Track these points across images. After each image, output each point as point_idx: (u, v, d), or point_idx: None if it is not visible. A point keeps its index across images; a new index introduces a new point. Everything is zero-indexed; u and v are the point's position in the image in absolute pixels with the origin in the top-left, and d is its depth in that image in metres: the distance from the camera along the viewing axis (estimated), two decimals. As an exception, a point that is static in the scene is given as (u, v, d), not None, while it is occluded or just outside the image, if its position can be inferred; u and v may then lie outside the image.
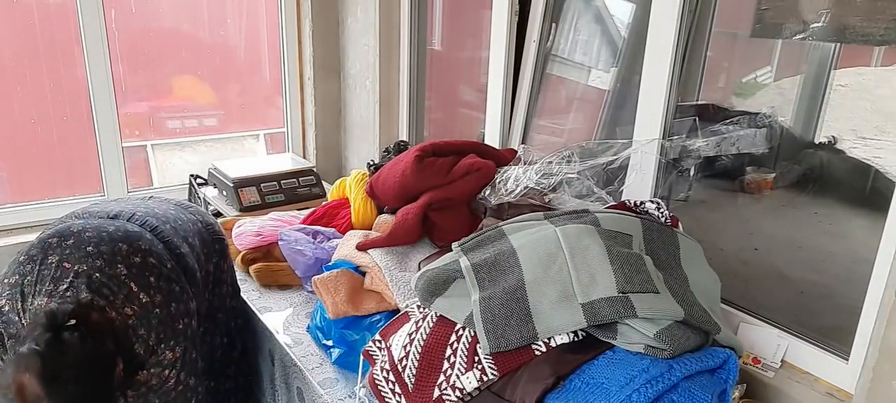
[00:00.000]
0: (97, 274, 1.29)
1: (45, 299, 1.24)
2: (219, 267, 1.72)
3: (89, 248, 1.32)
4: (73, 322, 1.16)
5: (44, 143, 2.59)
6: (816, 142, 1.62)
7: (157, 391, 1.36)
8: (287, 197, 2.52)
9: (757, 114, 1.68)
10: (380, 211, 1.99)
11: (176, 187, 2.80)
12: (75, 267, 1.29)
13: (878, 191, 1.39)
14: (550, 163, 1.68)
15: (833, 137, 1.54)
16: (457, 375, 1.17)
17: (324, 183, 2.66)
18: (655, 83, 1.66)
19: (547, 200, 1.74)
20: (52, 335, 1.14)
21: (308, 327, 1.70)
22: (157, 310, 1.34)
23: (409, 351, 1.26)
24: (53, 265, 1.29)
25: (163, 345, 1.34)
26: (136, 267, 1.34)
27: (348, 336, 1.55)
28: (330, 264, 1.75)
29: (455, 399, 1.16)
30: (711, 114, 1.73)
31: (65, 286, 1.26)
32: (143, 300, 1.32)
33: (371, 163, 2.25)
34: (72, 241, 1.34)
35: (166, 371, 1.35)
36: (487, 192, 1.75)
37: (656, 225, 1.36)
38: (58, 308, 1.19)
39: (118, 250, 1.34)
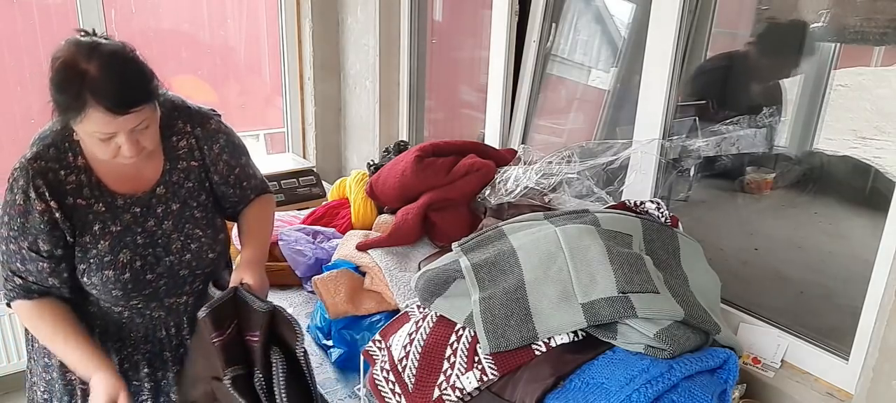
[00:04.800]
0: None
1: None
2: None
3: None
4: None
5: (44, 143, 2.59)
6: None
7: (211, 155, 1.46)
8: (287, 197, 2.52)
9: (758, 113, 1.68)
10: (380, 211, 1.99)
11: (176, 187, 2.80)
12: None
13: (878, 191, 1.40)
14: (550, 163, 1.68)
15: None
16: (457, 375, 1.18)
17: (324, 183, 2.66)
18: (655, 83, 1.66)
19: (547, 200, 1.74)
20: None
21: (308, 327, 1.70)
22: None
23: (409, 351, 1.26)
24: None
25: (211, 119, 1.47)
26: None
27: (348, 336, 1.55)
28: (330, 264, 1.75)
29: (455, 399, 1.16)
30: (712, 114, 1.74)
31: None
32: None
33: (371, 163, 2.26)
34: None
35: (220, 138, 1.47)
36: (487, 192, 1.76)
37: (656, 225, 1.36)
38: None
39: None
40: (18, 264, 1.32)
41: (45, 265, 1.32)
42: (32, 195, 1.26)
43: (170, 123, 1.40)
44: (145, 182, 1.39)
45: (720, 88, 1.78)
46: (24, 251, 1.30)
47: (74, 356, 1.34)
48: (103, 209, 1.34)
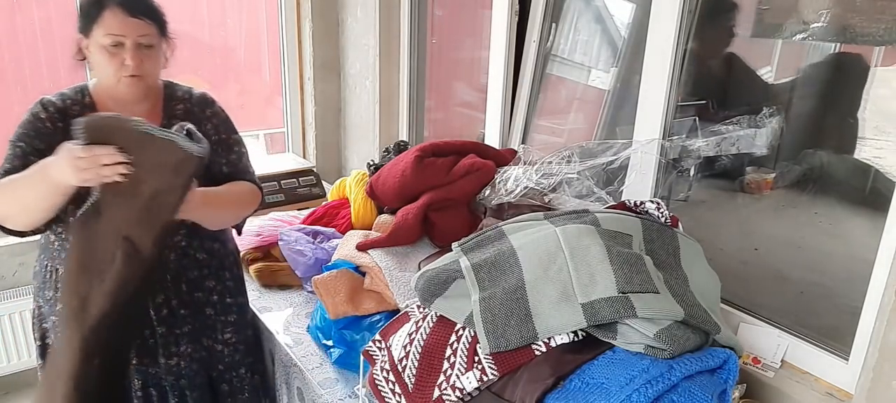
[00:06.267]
0: None
1: None
2: None
3: None
4: None
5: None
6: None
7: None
8: (287, 197, 2.52)
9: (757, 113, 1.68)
10: (380, 212, 1.99)
11: (176, 187, 2.79)
12: None
13: (877, 191, 1.39)
14: (550, 163, 1.68)
15: None
16: (457, 375, 1.18)
17: (324, 183, 2.66)
18: (655, 83, 1.66)
19: (547, 200, 1.74)
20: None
21: (308, 327, 1.70)
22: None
23: (409, 351, 1.26)
24: None
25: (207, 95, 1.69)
26: None
27: (348, 336, 1.55)
28: (330, 264, 1.75)
29: (455, 399, 1.16)
30: (711, 114, 1.74)
31: None
32: None
33: (371, 163, 2.25)
34: None
35: (214, 105, 1.67)
36: (487, 192, 1.76)
37: (656, 225, 1.36)
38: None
39: None
40: (7, 164, 1.43)
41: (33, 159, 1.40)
42: (39, 108, 1.45)
43: (172, 93, 1.62)
44: None
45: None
46: (18, 148, 1.43)
47: (30, 176, 1.35)
48: None
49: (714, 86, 1.78)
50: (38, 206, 1.36)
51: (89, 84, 1.54)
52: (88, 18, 1.42)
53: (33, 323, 1.64)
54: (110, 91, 1.50)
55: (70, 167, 1.24)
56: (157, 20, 1.50)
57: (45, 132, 1.44)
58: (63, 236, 1.51)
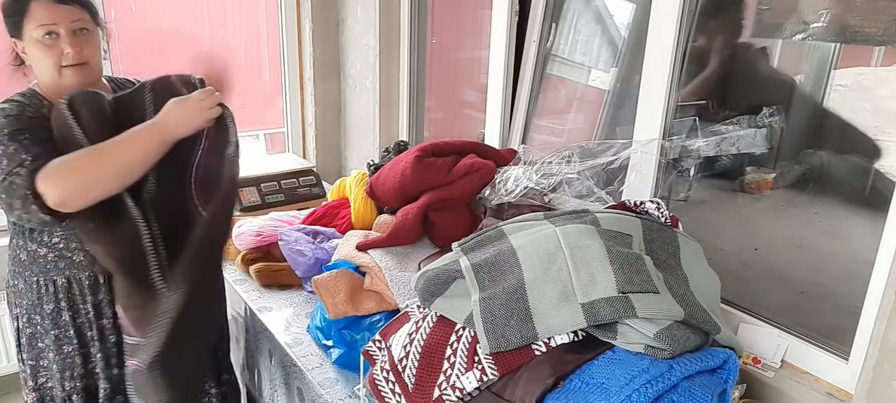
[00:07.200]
0: None
1: None
2: None
3: None
4: None
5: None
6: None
7: None
8: (287, 197, 2.52)
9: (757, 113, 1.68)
10: (380, 212, 1.99)
11: (176, 187, 2.79)
12: None
13: (877, 191, 1.40)
14: (550, 163, 1.68)
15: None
16: (457, 375, 1.18)
17: (324, 183, 2.66)
18: (655, 83, 1.66)
19: (547, 200, 1.74)
20: None
21: (308, 327, 1.70)
22: None
23: (409, 351, 1.26)
24: None
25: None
26: None
27: (348, 336, 1.55)
28: (330, 264, 1.74)
29: (455, 399, 1.16)
30: (711, 114, 1.74)
31: None
32: None
33: (371, 163, 2.25)
34: None
35: None
36: (487, 192, 1.75)
37: (656, 225, 1.36)
38: None
39: None
40: (24, 154, 1.34)
41: (51, 146, 1.37)
42: (10, 106, 1.38)
43: (120, 85, 1.63)
44: None
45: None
46: (27, 139, 1.35)
47: (133, 137, 1.38)
48: None
49: (715, 85, 1.78)
50: (141, 168, 1.39)
51: (33, 86, 1.47)
52: (16, 16, 1.37)
53: (21, 343, 1.63)
54: (56, 87, 1.43)
55: (195, 113, 1.37)
56: (87, 5, 1.45)
57: (35, 119, 1.38)
58: (60, 246, 1.50)
